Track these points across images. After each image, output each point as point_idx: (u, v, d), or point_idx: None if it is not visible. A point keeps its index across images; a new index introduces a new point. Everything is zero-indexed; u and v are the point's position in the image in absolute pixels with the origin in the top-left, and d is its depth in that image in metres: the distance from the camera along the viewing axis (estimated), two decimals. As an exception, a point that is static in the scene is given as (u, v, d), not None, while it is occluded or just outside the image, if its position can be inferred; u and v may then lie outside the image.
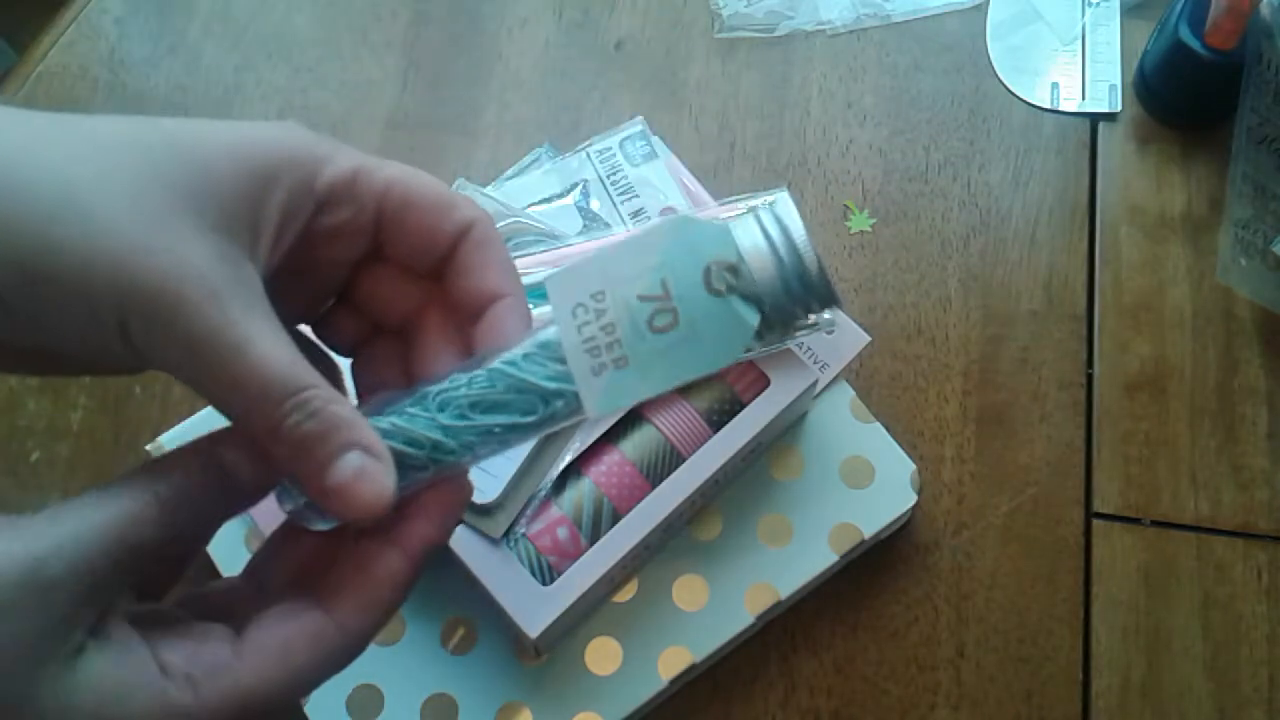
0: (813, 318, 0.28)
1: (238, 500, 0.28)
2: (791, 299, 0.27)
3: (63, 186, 0.24)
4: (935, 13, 0.65)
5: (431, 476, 0.28)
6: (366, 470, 0.27)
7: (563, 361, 0.27)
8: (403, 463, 0.28)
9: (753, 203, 0.52)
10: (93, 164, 0.25)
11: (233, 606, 0.29)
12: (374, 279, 0.32)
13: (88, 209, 0.24)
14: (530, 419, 0.28)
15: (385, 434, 0.28)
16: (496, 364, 0.28)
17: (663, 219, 0.27)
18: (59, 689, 0.24)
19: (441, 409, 0.28)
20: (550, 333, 0.28)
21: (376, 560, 0.28)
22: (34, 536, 0.25)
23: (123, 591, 0.26)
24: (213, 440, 0.28)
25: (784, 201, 0.28)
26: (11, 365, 0.29)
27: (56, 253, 0.24)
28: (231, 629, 0.27)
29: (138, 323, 0.25)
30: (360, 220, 0.30)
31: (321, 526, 0.29)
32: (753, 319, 0.27)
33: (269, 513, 0.53)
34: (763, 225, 0.28)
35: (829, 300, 0.28)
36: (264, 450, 0.27)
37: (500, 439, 0.28)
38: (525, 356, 0.28)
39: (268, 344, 0.26)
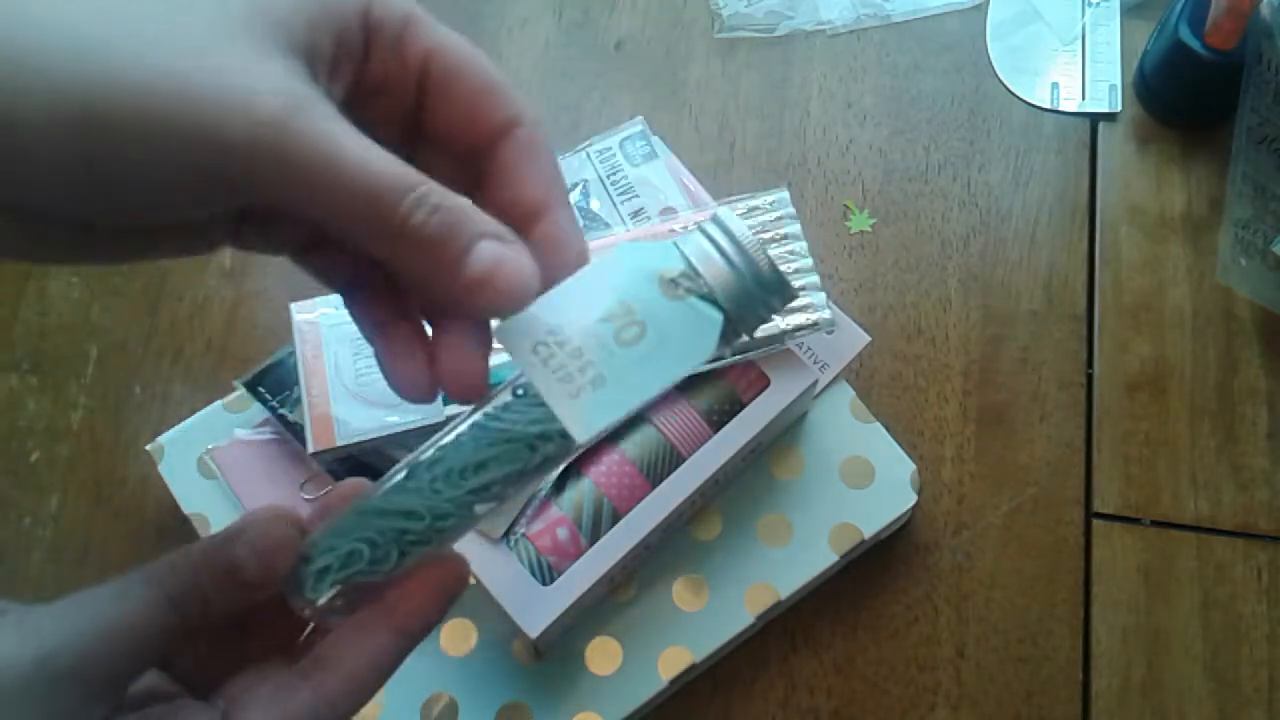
0: (772, 314, 0.28)
1: (247, 594, 0.28)
2: (746, 294, 0.27)
3: (134, 25, 0.23)
4: (935, 13, 0.65)
5: (432, 549, 0.28)
6: (505, 256, 0.25)
7: (542, 403, 0.27)
8: (403, 539, 0.28)
9: (752, 203, 0.52)
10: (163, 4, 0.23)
11: (209, 670, 0.29)
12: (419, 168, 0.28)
13: (168, 44, 0.23)
14: (521, 466, 0.28)
15: (381, 512, 0.28)
16: (478, 419, 0.28)
17: (605, 252, 0.27)
18: None
19: (433, 478, 0.28)
20: (522, 378, 0.28)
21: (372, 638, 0.28)
22: (45, 630, 0.25)
23: (133, 681, 0.26)
24: (227, 538, 0.28)
25: (725, 213, 0.28)
26: (89, 250, 0.26)
27: (149, 84, 0.22)
28: (216, 708, 0.27)
29: (242, 148, 0.23)
30: (404, 78, 0.27)
31: (337, 622, 0.28)
32: (716, 314, 0.27)
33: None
34: (707, 234, 0.28)
35: (783, 290, 0.28)
36: (389, 260, 0.25)
37: (497, 495, 0.28)
38: (504, 407, 0.28)
39: (369, 149, 0.24)
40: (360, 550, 0.28)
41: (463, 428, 0.28)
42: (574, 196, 0.57)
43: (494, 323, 0.27)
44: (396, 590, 0.28)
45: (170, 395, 0.58)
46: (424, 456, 0.28)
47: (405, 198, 0.24)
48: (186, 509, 0.53)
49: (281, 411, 0.52)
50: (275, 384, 0.53)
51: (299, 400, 0.51)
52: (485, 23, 0.66)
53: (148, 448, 0.54)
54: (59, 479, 0.57)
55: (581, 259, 0.28)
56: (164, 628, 0.26)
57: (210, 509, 0.52)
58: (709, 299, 0.27)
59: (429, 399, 0.28)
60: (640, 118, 0.59)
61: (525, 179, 0.28)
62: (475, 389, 0.28)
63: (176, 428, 0.54)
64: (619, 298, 0.27)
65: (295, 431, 0.52)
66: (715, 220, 0.28)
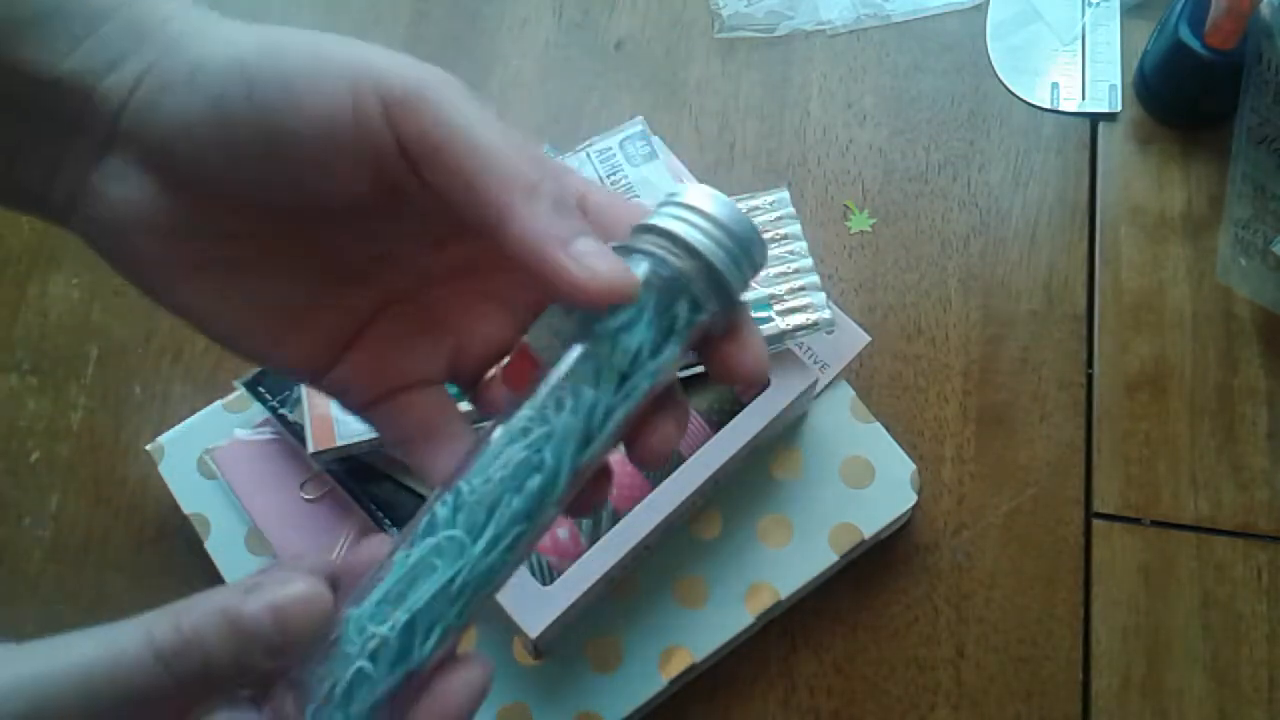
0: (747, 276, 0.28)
1: (260, 660, 0.25)
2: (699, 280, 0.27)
3: (299, 39, 0.27)
4: (935, 13, 0.65)
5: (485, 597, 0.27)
6: (607, 253, 0.26)
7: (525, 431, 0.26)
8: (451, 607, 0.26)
9: (752, 203, 0.52)
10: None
11: None
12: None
13: (328, 43, 0.27)
14: (537, 492, 0.26)
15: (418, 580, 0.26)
16: (468, 483, 0.26)
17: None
18: None
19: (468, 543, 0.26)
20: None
21: None
22: (32, 662, 0.24)
23: None
24: (245, 589, 0.25)
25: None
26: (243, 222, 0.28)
27: (322, 61, 0.26)
28: None
29: (397, 110, 0.25)
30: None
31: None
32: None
33: (267, 513, 0.54)
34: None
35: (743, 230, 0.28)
36: (501, 229, 0.26)
37: (528, 538, 0.27)
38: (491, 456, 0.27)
39: (507, 127, 0.26)
40: (404, 645, 0.25)
41: (450, 495, 0.26)
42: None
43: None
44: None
45: (170, 395, 0.58)
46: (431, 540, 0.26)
47: (538, 165, 0.26)
48: (186, 509, 0.53)
49: (281, 411, 0.52)
50: (275, 384, 0.53)
51: (299, 400, 0.51)
52: (485, 23, 0.66)
53: (148, 448, 0.54)
54: (59, 479, 0.57)
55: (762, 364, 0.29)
56: (145, 685, 0.24)
57: (210, 509, 0.52)
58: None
59: None
60: (640, 118, 0.59)
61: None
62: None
63: (176, 428, 0.54)
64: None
65: (295, 431, 0.52)
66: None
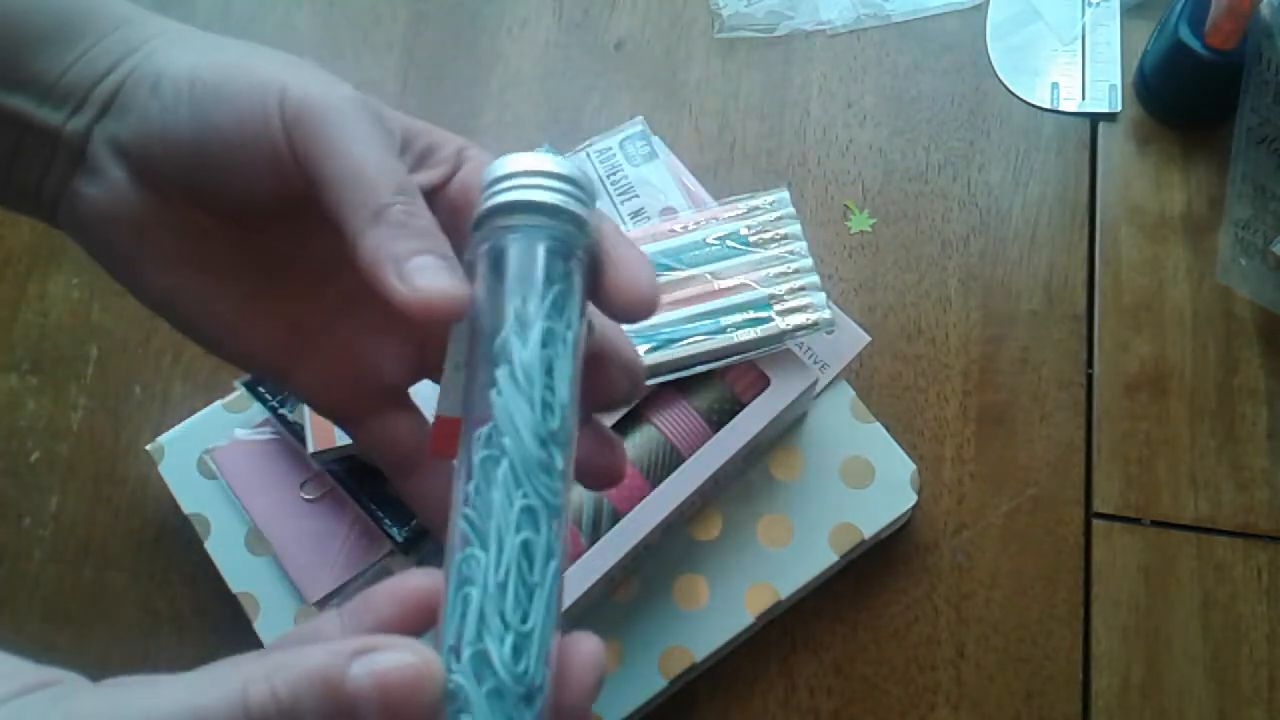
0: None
1: None
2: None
3: (243, 54, 0.30)
4: (935, 13, 0.65)
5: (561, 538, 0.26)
6: (441, 269, 0.27)
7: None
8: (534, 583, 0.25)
9: (752, 203, 0.52)
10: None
11: None
12: None
13: (261, 59, 0.29)
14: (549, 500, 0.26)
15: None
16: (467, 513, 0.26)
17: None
18: None
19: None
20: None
21: None
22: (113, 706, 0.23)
23: None
24: (348, 655, 0.23)
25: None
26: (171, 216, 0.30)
27: (238, 71, 0.29)
28: None
29: (291, 126, 0.28)
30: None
31: None
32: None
33: (267, 512, 0.54)
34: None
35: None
36: (358, 233, 0.27)
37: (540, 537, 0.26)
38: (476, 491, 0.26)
39: (388, 141, 0.28)
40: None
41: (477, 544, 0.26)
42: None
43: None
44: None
45: (170, 395, 0.58)
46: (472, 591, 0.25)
47: (394, 189, 0.27)
48: (186, 509, 0.53)
49: (281, 411, 0.52)
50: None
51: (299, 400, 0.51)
52: (485, 23, 0.66)
53: (148, 448, 0.54)
54: (59, 479, 0.57)
55: (647, 279, 0.29)
56: None
57: (210, 509, 0.52)
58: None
59: None
60: (640, 118, 0.59)
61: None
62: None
63: (176, 428, 0.54)
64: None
65: (295, 431, 0.52)
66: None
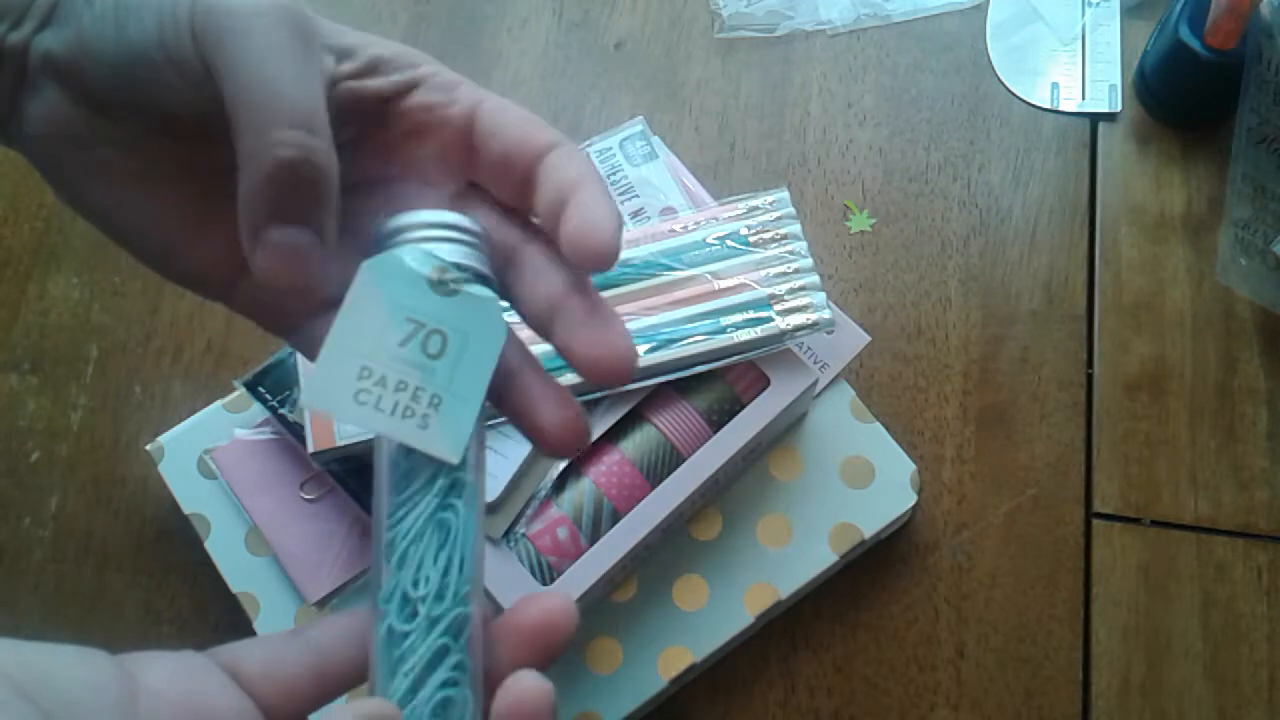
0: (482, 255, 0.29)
1: None
2: (486, 256, 0.29)
3: None
4: (935, 13, 0.65)
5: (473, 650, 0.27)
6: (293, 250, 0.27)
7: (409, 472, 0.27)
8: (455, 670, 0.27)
9: (752, 203, 0.52)
10: None
11: None
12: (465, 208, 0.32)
13: None
14: (449, 526, 0.27)
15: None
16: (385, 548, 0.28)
17: (354, 279, 0.28)
18: None
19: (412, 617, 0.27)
20: (383, 453, 0.28)
21: None
22: None
23: None
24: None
25: (412, 215, 0.29)
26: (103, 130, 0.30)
27: None
28: None
29: (199, 36, 0.27)
30: (451, 115, 0.30)
31: None
32: (489, 290, 0.28)
33: (267, 513, 0.54)
34: (421, 226, 0.29)
35: (478, 232, 0.29)
36: (243, 169, 0.27)
37: (458, 565, 0.27)
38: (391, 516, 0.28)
39: (311, 77, 0.27)
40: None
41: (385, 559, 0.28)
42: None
43: (302, 395, 0.28)
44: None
45: (170, 395, 0.58)
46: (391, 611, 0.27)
47: (290, 118, 0.26)
48: (186, 509, 0.53)
49: (281, 411, 0.52)
50: (275, 384, 0.53)
51: (299, 400, 0.51)
52: (485, 23, 0.66)
53: (148, 448, 0.54)
54: (59, 479, 0.57)
55: (608, 226, 0.28)
56: None
57: (210, 509, 0.52)
58: (475, 278, 0.28)
59: None
60: (640, 118, 0.59)
61: (561, 173, 0.29)
62: None
63: (176, 428, 0.54)
64: (402, 315, 0.27)
65: (295, 431, 0.52)
66: (406, 215, 0.29)
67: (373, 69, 0.30)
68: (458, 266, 0.28)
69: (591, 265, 0.28)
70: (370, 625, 0.27)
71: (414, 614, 0.26)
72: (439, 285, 0.28)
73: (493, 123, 0.30)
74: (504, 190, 0.31)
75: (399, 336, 0.27)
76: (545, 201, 0.29)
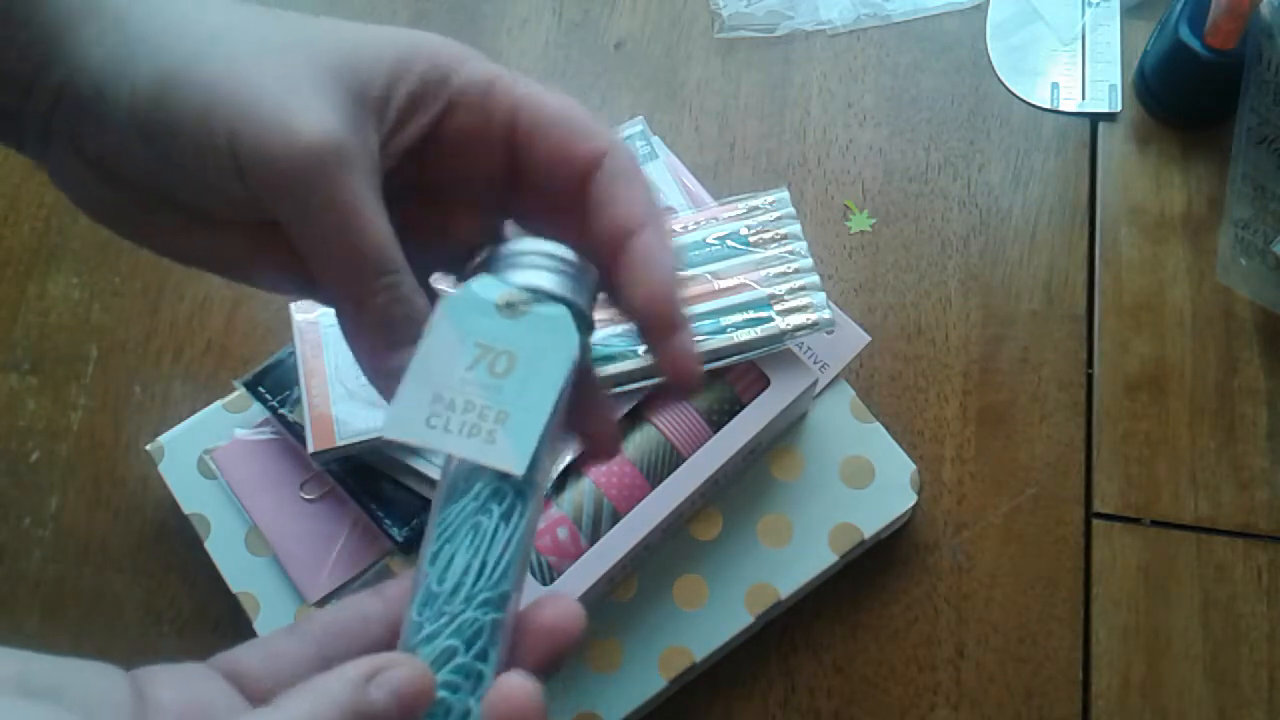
0: (595, 285, 0.30)
1: None
2: (569, 280, 0.29)
3: (224, 48, 0.27)
4: (935, 13, 0.65)
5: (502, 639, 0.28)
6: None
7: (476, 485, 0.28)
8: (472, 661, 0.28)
9: (752, 203, 0.52)
10: (255, 33, 0.28)
11: None
12: (518, 216, 0.32)
13: (226, 65, 0.27)
14: (488, 532, 0.28)
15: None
16: (438, 532, 0.28)
17: (431, 316, 0.29)
18: None
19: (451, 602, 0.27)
20: (450, 467, 0.29)
21: None
22: None
23: None
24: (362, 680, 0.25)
25: (514, 240, 0.30)
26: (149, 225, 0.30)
27: (185, 89, 0.26)
28: None
29: (249, 170, 0.26)
30: (491, 133, 0.30)
31: None
32: (560, 307, 0.29)
33: (267, 513, 0.54)
34: (502, 257, 0.29)
35: (585, 265, 0.29)
36: (341, 311, 0.28)
37: (502, 572, 0.28)
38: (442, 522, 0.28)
39: (375, 214, 0.27)
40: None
41: (438, 542, 0.28)
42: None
43: (383, 428, 0.29)
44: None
45: (170, 395, 0.58)
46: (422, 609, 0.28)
47: (381, 278, 0.27)
48: (186, 509, 0.53)
49: (281, 411, 0.52)
50: (275, 384, 0.53)
51: (299, 400, 0.51)
52: (485, 23, 0.66)
53: (148, 448, 0.54)
54: (59, 479, 0.57)
55: (669, 277, 0.29)
56: None
57: (210, 509, 0.52)
58: (547, 298, 0.29)
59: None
60: (640, 118, 0.59)
61: (616, 207, 0.29)
62: None
63: (176, 428, 0.54)
64: (473, 343, 0.28)
65: (295, 431, 0.52)
66: (499, 247, 0.30)
67: (409, 113, 0.29)
68: (530, 290, 0.29)
69: (659, 332, 0.29)
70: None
71: (434, 610, 0.27)
72: (507, 309, 0.28)
73: (531, 133, 0.30)
74: (555, 202, 0.31)
75: (467, 361, 0.28)
76: (600, 235, 0.29)
